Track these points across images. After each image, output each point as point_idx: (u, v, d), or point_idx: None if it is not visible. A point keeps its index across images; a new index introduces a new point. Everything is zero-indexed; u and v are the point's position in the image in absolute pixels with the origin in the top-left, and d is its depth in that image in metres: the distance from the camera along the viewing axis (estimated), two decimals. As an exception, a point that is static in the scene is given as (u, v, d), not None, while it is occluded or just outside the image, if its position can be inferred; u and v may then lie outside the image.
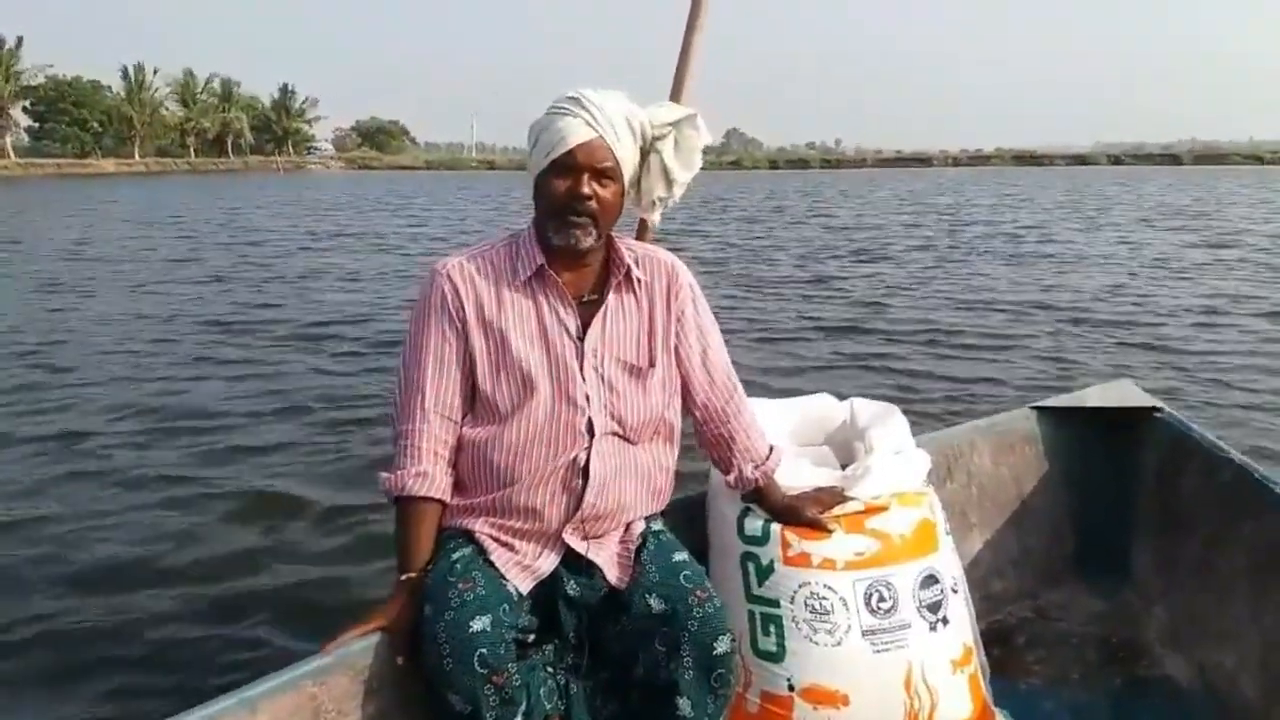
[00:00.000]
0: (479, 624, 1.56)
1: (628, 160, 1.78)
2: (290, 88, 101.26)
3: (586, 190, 1.72)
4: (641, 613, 1.70)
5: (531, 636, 1.73)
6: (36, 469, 4.64)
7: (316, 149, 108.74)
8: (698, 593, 1.70)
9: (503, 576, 1.70)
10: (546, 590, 1.76)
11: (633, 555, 1.80)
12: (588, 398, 1.76)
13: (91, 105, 79.35)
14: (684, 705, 1.65)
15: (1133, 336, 7.69)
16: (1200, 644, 2.34)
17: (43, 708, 2.72)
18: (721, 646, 1.66)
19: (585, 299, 1.83)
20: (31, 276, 12.23)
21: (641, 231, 2.21)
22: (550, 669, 1.72)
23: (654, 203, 1.94)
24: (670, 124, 1.86)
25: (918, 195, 33.40)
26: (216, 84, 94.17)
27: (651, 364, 1.84)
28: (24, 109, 79.18)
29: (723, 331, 1.98)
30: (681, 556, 1.80)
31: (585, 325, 1.80)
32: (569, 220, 1.73)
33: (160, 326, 8.56)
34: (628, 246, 1.87)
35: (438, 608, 1.59)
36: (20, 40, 76.51)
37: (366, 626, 1.65)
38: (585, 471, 1.75)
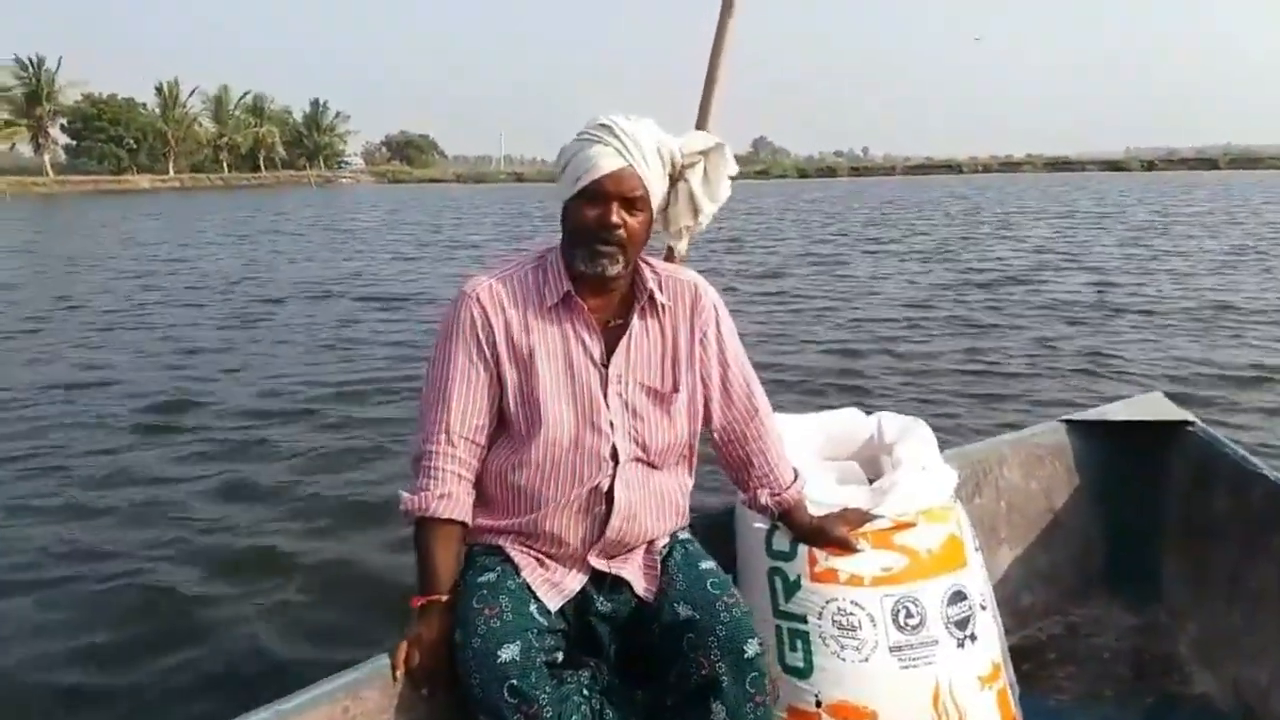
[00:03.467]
0: (508, 653, 1.57)
1: (657, 189, 1.77)
2: (322, 103, 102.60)
3: (615, 219, 1.70)
4: (670, 621, 1.72)
5: (560, 656, 1.73)
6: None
7: (348, 163, 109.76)
8: (724, 599, 1.73)
9: (533, 595, 1.71)
10: (578, 608, 1.78)
11: (659, 565, 1.82)
12: (612, 424, 1.76)
13: (127, 122, 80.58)
14: (718, 710, 1.66)
15: None
16: (1232, 660, 2.32)
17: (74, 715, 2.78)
18: (751, 649, 1.68)
19: (611, 324, 1.82)
20: None
21: (669, 258, 2.22)
22: (586, 693, 1.71)
23: (681, 231, 1.95)
24: (700, 153, 1.86)
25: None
26: (250, 99, 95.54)
27: (675, 389, 1.83)
28: (61, 127, 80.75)
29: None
30: (708, 565, 1.83)
31: (610, 350, 1.79)
32: (597, 250, 1.72)
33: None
34: (652, 269, 1.86)
35: (465, 635, 1.61)
36: (60, 60, 78.25)
37: (399, 652, 1.65)
38: (609, 497, 1.76)
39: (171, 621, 3.31)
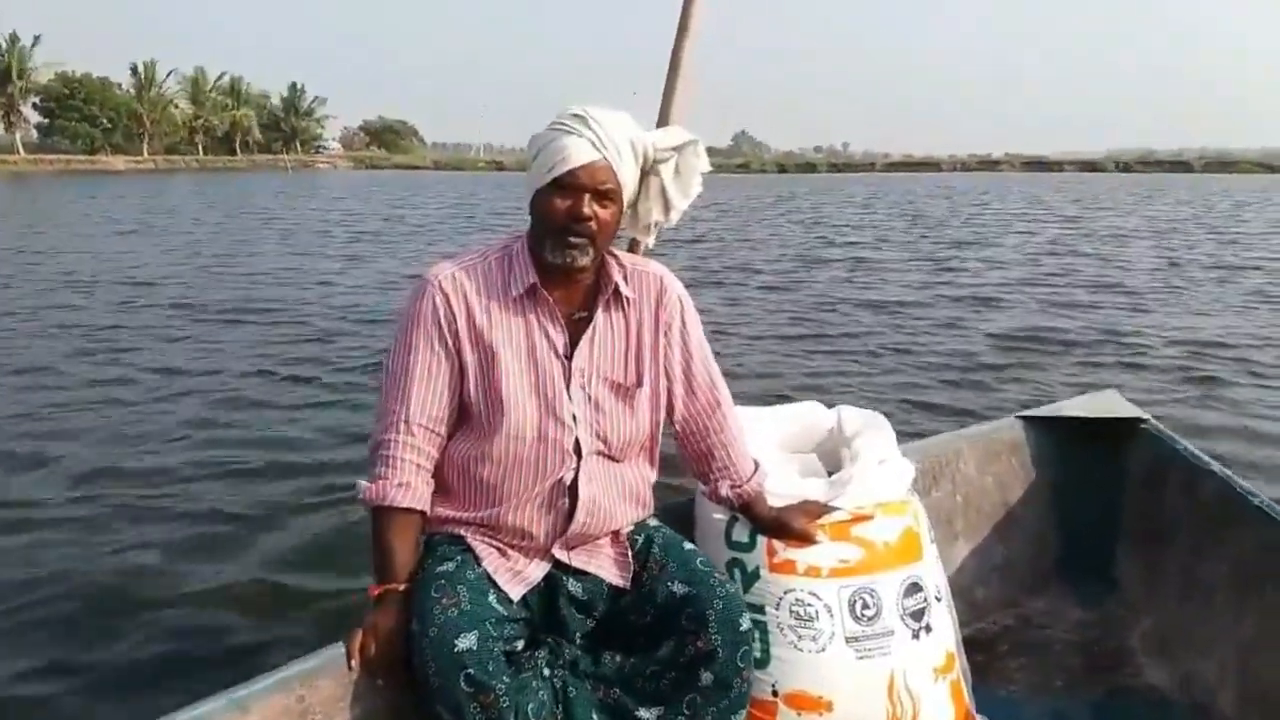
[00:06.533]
0: (465, 642, 1.56)
1: (629, 183, 1.77)
2: (300, 86, 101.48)
3: (587, 211, 1.69)
4: (666, 600, 1.74)
5: (520, 644, 1.74)
6: None
7: (325, 148, 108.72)
8: (716, 574, 1.77)
9: (493, 584, 1.72)
10: (544, 593, 1.78)
11: (630, 554, 1.83)
12: (574, 417, 1.77)
13: (101, 102, 79.54)
14: (707, 678, 1.68)
15: None
16: (1182, 653, 2.37)
17: (32, 702, 2.75)
18: (745, 623, 1.71)
19: (575, 316, 1.81)
20: None
21: (633, 248, 2.23)
22: (548, 671, 1.72)
23: (649, 226, 1.95)
24: (673, 148, 1.86)
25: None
26: (226, 81, 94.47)
27: (639, 383, 1.84)
28: (34, 105, 79.65)
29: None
30: (690, 546, 1.87)
31: (574, 343, 1.79)
32: (567, 240, 1.71)
33: None
34: (618, 261, 1.85)
35: (423, 624, 1.60)
36: (36, 38, 77.23)
37: (354, 640, 1.65)
38: (572, 491, 1.77)
39: (118, 608, 3.28)
